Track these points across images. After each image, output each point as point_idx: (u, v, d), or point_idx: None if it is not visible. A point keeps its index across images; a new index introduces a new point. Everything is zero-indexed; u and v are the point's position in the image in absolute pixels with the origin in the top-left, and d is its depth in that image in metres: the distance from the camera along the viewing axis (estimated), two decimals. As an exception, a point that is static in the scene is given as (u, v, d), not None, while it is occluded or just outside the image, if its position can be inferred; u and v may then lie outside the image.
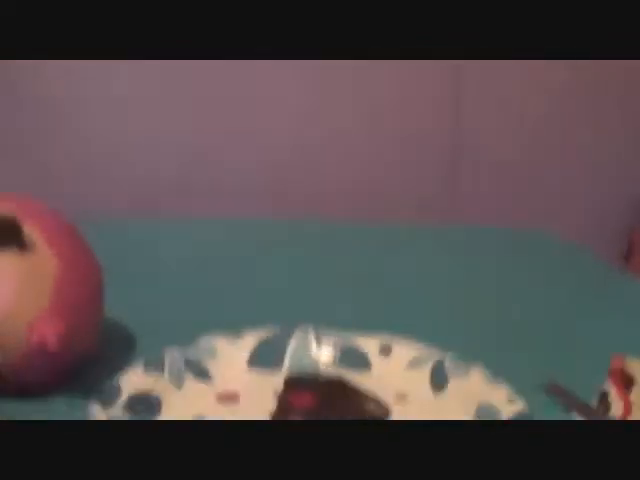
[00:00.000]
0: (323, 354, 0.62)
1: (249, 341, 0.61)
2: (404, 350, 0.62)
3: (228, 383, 0.58)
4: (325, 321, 0.64)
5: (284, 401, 0.52)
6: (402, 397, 0.58)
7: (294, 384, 0.55)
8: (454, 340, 0.62)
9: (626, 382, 0.53)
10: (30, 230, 0.54)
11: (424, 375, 0.60)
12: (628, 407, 0.51)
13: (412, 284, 0.81)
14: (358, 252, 0.90)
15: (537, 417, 0.52)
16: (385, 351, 0.62)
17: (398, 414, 0.55)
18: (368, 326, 0.64)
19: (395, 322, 0.66)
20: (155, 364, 0.57)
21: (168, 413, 0.54)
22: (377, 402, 0.55)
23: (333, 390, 0.55)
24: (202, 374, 0.58)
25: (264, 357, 0.61)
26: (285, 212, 1.33)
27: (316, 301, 0.73)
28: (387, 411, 0.54)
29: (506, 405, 0.54)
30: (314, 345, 0.62)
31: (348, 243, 0.92)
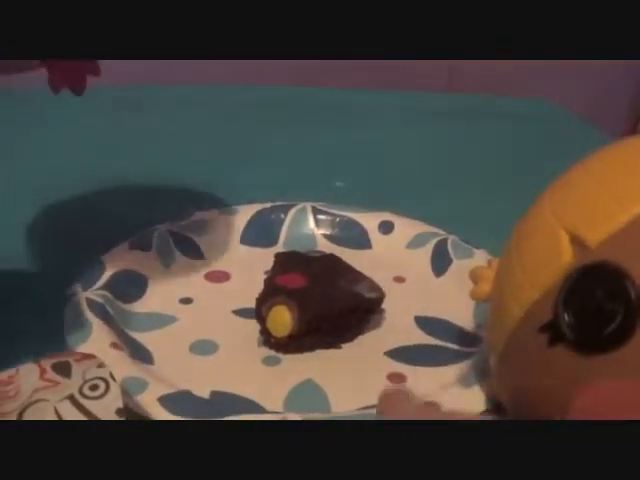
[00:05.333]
0: (320, 231, 0.59)
1: (242, 217, 0.58)
2: (406, 228, 0.58)
3: (219, 261, 0.56)
4: (322, 198, 0.60)
5: (271, 282, 0.49)
6: (401, 277, 0.55)
7: (284, 263, 0.52)
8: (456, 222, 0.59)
9: None
10: None
11: (425, 255, 0.57)
12: None
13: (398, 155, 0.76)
14: (357, 123, 0.84)
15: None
16: (386, 228, 0.59)
17: (395, 296, 0.52)
18: (368, 204, 0.60)
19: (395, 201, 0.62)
20: (142, 241, 0.55)
21: (154, 293, 0.52)
22: (371, 283, 0.51)
23: (324, 269, 0.51)
24: (192, 252, 0.56)
25: (258, 234, 0.58)
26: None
27: (313, 177, 0.69)
28: (381, 292, 0.51)
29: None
30: (311, 221, 0.59)
31: (348, 113, 0.85)
